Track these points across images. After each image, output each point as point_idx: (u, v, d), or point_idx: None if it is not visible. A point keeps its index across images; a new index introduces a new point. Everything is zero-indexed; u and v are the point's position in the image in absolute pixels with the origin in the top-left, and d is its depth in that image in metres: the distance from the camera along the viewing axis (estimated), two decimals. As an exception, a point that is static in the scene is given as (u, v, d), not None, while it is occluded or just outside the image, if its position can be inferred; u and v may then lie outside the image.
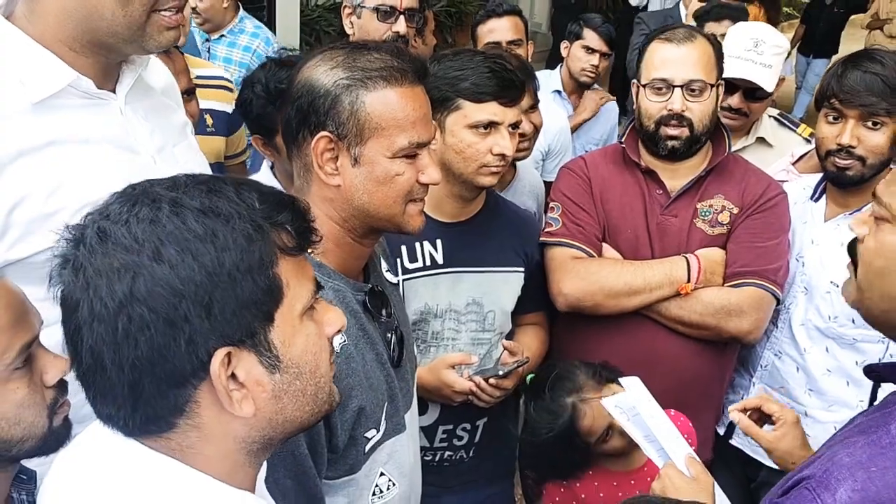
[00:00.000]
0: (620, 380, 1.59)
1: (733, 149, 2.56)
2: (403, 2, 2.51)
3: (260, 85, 2.17)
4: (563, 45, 3.76)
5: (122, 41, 1.39)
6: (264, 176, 2.31)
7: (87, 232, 0.88)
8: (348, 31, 2.62)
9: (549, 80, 3.77)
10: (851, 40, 5.88)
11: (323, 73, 1.34)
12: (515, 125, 1.92)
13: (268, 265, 0.90)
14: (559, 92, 3.74)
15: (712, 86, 2.05)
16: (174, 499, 0.91)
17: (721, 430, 2.32)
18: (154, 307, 0.84)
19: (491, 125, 1.87)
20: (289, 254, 0.93)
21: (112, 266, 0.85)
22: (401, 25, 2.51)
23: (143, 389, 0.87)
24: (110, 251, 0.86)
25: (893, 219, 1.14)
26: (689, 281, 2.00)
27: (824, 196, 2.15)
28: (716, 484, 1.55)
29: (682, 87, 2.02)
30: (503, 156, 1.88)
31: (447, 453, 2.10)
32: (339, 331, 1.03)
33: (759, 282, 2.01)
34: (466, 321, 2.05)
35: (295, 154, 1.40)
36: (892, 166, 1.97)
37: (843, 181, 2.03)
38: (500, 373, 1.93)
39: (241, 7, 3.93)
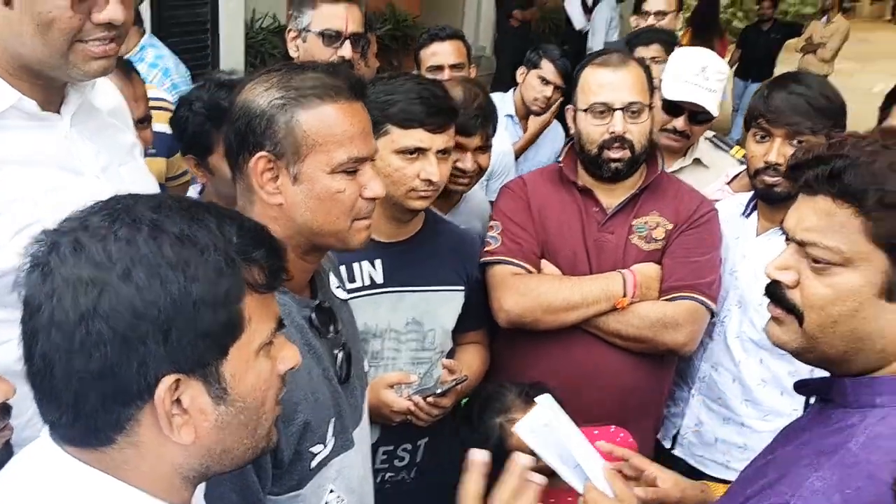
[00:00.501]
0: (537, 399, 1.58)
1: (671, 169, 2.66)
2: (349, 27, 2.52)
3: (200, 102, 2.14)
4: (520, 71, 3.83)
5: (47, 68, 1.38)
6: None
7: (62, 240, 0.88)
8: (293, 54, 2.63)
9: (501, 104, 3.82)
10: (786, 64, 6.12)
11: (258, 94, 1.35)
12: (445, 151, 1.94)
13: (233, 300, 0.91)
14: (511, 116, 3.80)
15: (648, 107, 2.12)
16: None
17: (667, 444, 2.37)
18: (114, 325, 0.85)
19: (418, 151, 1.89)
20: (257, 290, 0.94)
21: (81, 278, 0.85)
22: (346, 50, 2.52)
23: (88, 402, 0.87)
24: (82, 263, 0.86)
25: (847, 261, 1.13)
26: (625, 295, 2.04)
27: (755, 212, 2.22)
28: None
29: (622, 109, 2.07)
30: (431, 181, 1.90)
31: (388, 475, 2.09)
32: (293, 368, 1.03)
33: (693, 295, 2.06)
34: (406, 341, 2.05)
35: (238, 176, 1.41)
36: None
37: (771, 197, 2.10)
38: (438, 391, 1.93)
39: (147, 33, 3.72)
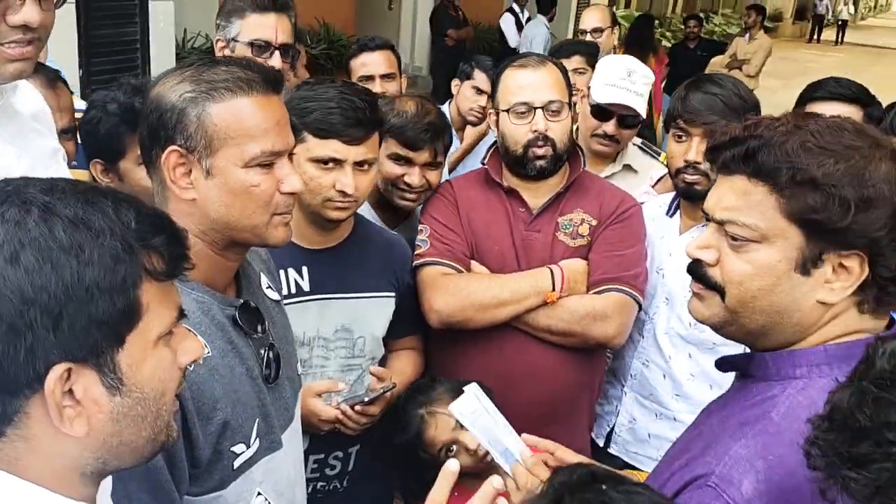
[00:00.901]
0: (465, 388, 1.60)
1: (603, 175, 2.70)
2: (279, 37, 2.50)
3: (116, 104, 2.07)
4: (454, 83, 3.86)
5: None
6: None
7: None
8: None
9: None
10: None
11: (169, 88, 1.33)
12: (364, 162, 1.90)
13: (130, 287, 0.87)
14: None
15: (568, 105, 2.16)
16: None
17: (601, 442, 2.40)
18: (0, 310, 0.81)
19: (333, 161, 1.87)
20: (156, 278, 0.91)
21: None
22: (276, 60, 2.49)
23: None
24: None
25: (763, 237, 1.15)
26: (554, 290, 2.06)
27: (678, 211, 2.28)
28: None
29: (542, 108, 2.11)
30: (344, 193, 1.87)
31: (320, 483, 2.05)
32: (195, 361, 1.00)
33: (620, 287, 2.09)
34: (336, 348, 2.02)
35: (152, 172, 1.38)
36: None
37: (692, 195, 2.15)
38: (366, 399, 1.90)
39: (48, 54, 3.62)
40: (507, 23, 9.92)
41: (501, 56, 9.90)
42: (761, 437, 1.11)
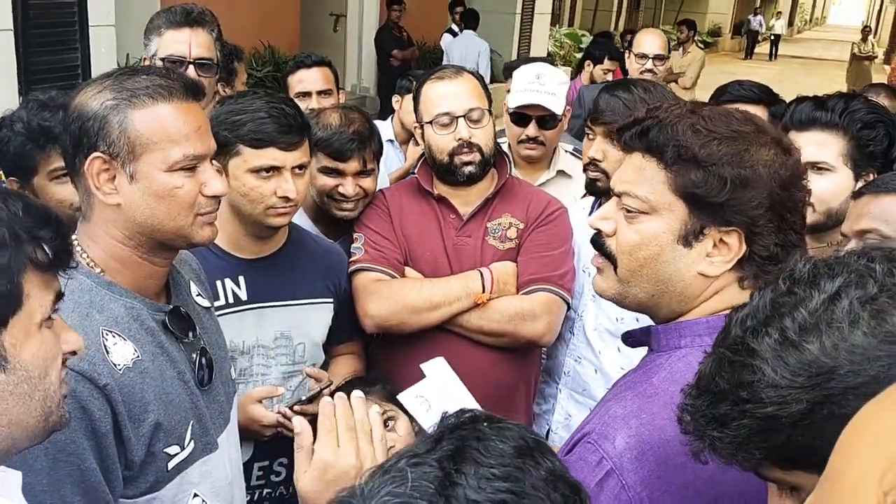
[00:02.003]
0: (422, 365, 1.67)
1: (538, 182, 2.80)
2: (193, 52, 2.55)
3: (21, 123, 2.06)
4: (395, 98, 3.96)
5: None
6: None
7: None
8: None
9: (381, 130, 3.93)
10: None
11: (91, 97, 1.37)
12: (301, 167, 1.97)
13: (14, 273, 0.93)
14: (392, 141, 3.91)
15: (488, 111, 2.25)
16: None
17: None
18: None
19: (273, 169, 1.92)
20: (40, 268, 0.96)
21: None
22: (190, 74, 2.53)
23: None
24: None
25: (652, 209, 1.24)
26: (483, 291, 2.14)
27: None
28: None
29: (463, 116, 2.19)
30: (287, 198, 1.93)
31: (265, 490, 2.09)
32: (74, 352, 1.06)
33: (548, 287, 2.18)
34: (276, 355, 2.07)
35: (77, 181, 1.42)
36: None
37: (594, 192, 2.26)
38: (304, 398, 1.94)
39: None
40: (447, 43, 10.10)
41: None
42: (638, 398, 1.20)
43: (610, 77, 5.82)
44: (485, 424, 0.80)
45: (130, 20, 7.11)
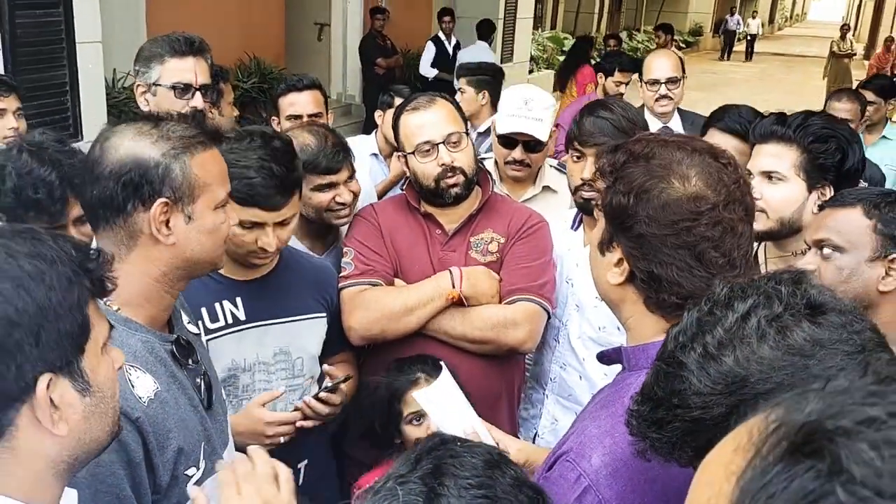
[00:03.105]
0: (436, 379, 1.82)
1: (524, 198, 2.92)
2: (198, 79, 2.65)
3: (11, 180, 1.98)
4: (377, 113, 4.06)
5: None
6: None
7: None
8: (143, 107, 2.70)
9: (364, 145, 4.05)
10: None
11: (147, 146, 1.46)
12: (284, 221, 2.04)
13: (82, 304, 1.05)
14: (376, 155, 4.02)
15: (465, 133, 2.36)
16: None
17: (529, 445, 2.58)
18: None
19: (254, 225, 2.01)
20: (92, 296, 1.08)
21: None
22: (198, 100, 2.64)
23: None
24: None
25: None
26: (454, 287, 2.23)
27: (582, 225, 2.50)
28: None
29: (443, 142, 2.29)
30: (266, 251, 2.03)
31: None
32: (121, 367, 1.17)
33: (529, 297, 2.29)
34: (276, 370, 2.17)
35: (115, 226, 1.48)
36: None
37: (589, 210, 2.37)
38: (330, 385, 2.10)
39: None
40: (427, 52, 10.18)
41: (425, 89, 10.25)
42: (611, 418, 1.29)
43: (623, 89, 5.91)
44: (456, 444, 0.94)
45: (116, 36, 7.19)
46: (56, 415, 1.03)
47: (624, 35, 21.67)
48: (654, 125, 3.74)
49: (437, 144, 2.29)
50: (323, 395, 2.09)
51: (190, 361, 1.60)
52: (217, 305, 2.07)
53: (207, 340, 2.01)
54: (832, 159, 2.13)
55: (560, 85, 8.82)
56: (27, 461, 1.04)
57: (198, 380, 1.61)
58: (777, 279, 1.02)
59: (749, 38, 27.53)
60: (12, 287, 0.98)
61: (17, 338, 0.97)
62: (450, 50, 10.28)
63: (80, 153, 2.08)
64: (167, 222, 1.48)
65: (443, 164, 2.29)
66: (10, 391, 0.99)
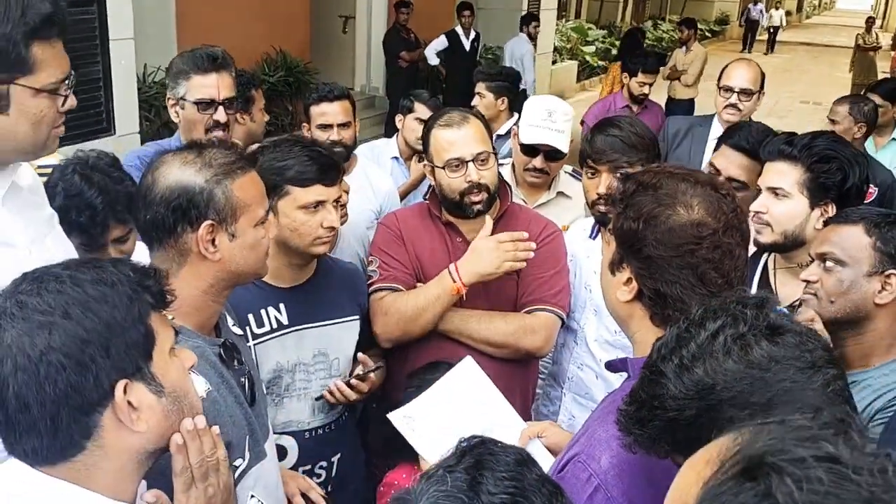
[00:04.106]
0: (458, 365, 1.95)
1: (538, 203, 3.06)
2: (221, 94, 2.82)
3: (59, 199, 2.11)
4: (398, 118, 4.18)
5: (21, 155, 1.67)
6: None
7: (5, 304, 1.15)
8: (175, 119, 2.90)
9: (387, 148, 4.20)
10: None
11: (192, 174, 1.64)
12: (338, 200, 2.27)
13: (144, 317, 1.21)
14: (397, 158, 4.15)
15: (493, 153, 2.49)
16: None
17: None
18: (68, 353, 1.13)
19: (319, 204, 2.20)
20: (155, 308, 1.24)
21: (31, 326, 1.13)
22: (220, 115, 2.81)
23: (62, 420, 1.14)
24: (29, 315, 1.13)
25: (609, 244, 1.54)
26: (455, 282, 2.35)
27: (599, 234, 2.63)
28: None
29: (473, 160, 2.42)
30: (332, 228, 2.22)
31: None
32: (193, 366, 1.33)
33: (545, 307, 2.44)
34: (315, 371, 2.34)
35: (166, 245, 1.66)
36: None
37: (606, 222, 2.48)
38: (360, 372, 2.29)
39: None
40: (438, 42, 10.31)
41: (444, 83, 10.39)
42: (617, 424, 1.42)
43: (647, 90, 6.17)
44: (494, 445, 1.13)
45: (147, 32, 7.35)
46: (135, 415, 1.19)
47: (649, 24, 21.62)
48: (717, 131, 3.73)
49: (467, 162, 2.42)
50: (353, 381, 2.28)
51: (235, 362, 1.76)
52: (263, 312, 2.25)
53: (255, 344, 2.19)
54: (833, 179, 2.26)
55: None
56: (115, 457, 1.20)
57: (242, 379, 1.77)
58: (744, 303, 1.20)
59: (772, 29, 26.17)
60: (81, 311, 1.16)
61: (90, 353, 1.15)
62: (467, 45, 10.36)
63: (127, 180, 2.25)
64: (213, 241, 1.65)
65: (470, 181, 2.42)
66: (92, 398, 1.16)
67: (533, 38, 10.79)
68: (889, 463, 0.71)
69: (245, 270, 1.72)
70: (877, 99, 4.76)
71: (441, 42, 10.29)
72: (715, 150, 2.90)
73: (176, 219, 1.63)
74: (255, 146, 2.54)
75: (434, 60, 10.34)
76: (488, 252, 2.33)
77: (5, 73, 1.56)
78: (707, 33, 24.69)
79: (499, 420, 1.97)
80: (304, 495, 2.14)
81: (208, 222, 1.63)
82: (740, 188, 2.68)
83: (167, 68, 2.95)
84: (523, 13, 12.18)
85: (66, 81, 1.65)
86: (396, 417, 2.00)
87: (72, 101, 1.67)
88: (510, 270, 2.35)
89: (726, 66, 4.03)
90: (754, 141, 2.73)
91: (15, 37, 1.53)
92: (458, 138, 2.44)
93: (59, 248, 1.85)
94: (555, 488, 1.11)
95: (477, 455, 1.10)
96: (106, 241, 2.18)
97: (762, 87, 3.94)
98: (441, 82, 10.59)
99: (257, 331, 2.23)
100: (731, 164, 2.75)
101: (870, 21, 17.09)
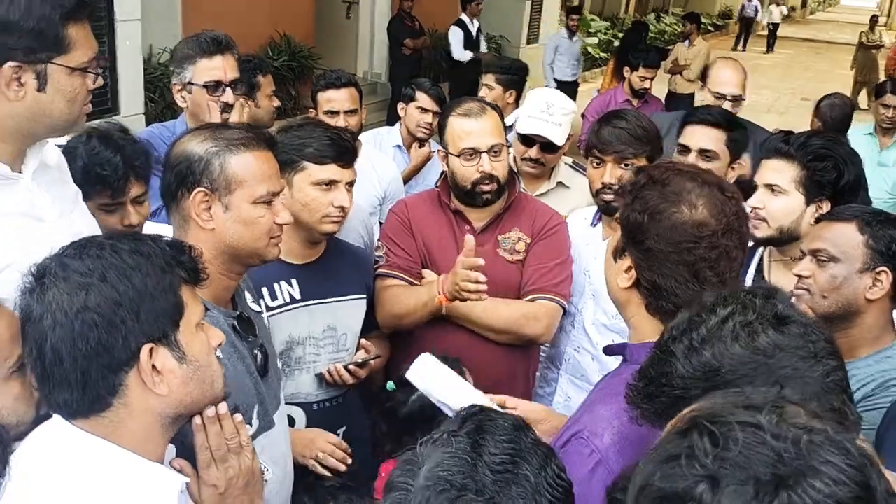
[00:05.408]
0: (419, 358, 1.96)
1: (538, 192, 3.14)
2: (227, 75, 2.89)
3: (81, 160, 2.18)
4: (400, 106, 4.23)
5: (53, 131, 1.75)
6: None
7: (51, 265, 1.24)
8: (181, 104, 2.95)
9: (390, 136, 4.27)
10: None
11: (196, 144, 1.75)
12: (350, 183, 2.35)
13: (175, 288, 1.30)
14: (399, 146, 4.22)
15: (505, 145, 2.57)
16: (102, 470, 1.26)
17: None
18: (101, 313, 1.22)
19: (331, 183, 2.29)
20: (186, 283, 1.33)
21: (71, 286, 1.22)
22: (228, 96, 2.88)
23: (91, 375, 1.23)
24: (70, 275, 1.23)
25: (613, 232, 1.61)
26: (439, 294, 2.40)
27: (600, 222, 2.71)
28: None
29: (487, 151, 2.50)
30: (342, 207, 2.30)
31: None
32: (220, 344, 1.41)
33: (547, 296, 2.53)
34: (324, 345, 2.44)
35: (174, 209, 1.78)
36: None
37: (609, 211, 2.57)
38: (360, 360, 2.38)
39: None
40: (455, 36, 10.25)
41: (451, 71, 10.38)
42: (619, 402, 1.47)
43: (647, 84, 6.28)
44: (491, 412, 1.23)
45: (152, 14, 7.38)
46: (158, 378, 1.28)
47: (651, 17, 21.61)
48: None
49: (482, 153, 2.50)
50: (352, 367, 2.37)
51: (250, 335, 1.83)
52: (276, 285, 2.34)
53: (269, 317, 2.27)
54: (829, 176, 2.34)
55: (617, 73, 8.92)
56: (139, 416, 1.29)
57: (255, 351, 1.85)
58: (754, 293, 1.27)
59: (771, 27, 24.67)
60: (116, 275, 1.25)
61: (121, 315, 1.24)
62: (473, 32, 10.38)
63: (140, 141, 2.37)
64: (210, 210, 1.73)
65: (482, 171, 2.50)
66: (120, 357, 1.25)
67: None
68: (811, 436, 0.81)
69: (239, 245, 1.75)
70: (890, 99, 4.81)
71: (459, 35, 10.25)
72: (678, 134, 2.96)
73: (178, 184, 1.73)
74: (274, 127, 2.61)
75: (466, 56, 10.14)
76: (457, 276, 2.31)
77: (44, 52, 1.63)
78: (710, 27, 24.63)
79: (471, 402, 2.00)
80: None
81: (200, 189, 1.71)
82: (712, 158, 2.77)
83: (171, 55, 3.01)
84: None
85: (96, 60, 1.73)
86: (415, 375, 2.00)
87: (100, 80, 1.75)
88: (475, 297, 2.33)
89: (712, 66, 3.92)
90: (715, 112, 2.84)
91: (52, 18, 1.61)
92: (474, 129, 2.52)
93: (84, 223, 1.93)
94: (548, 450, 1.20)
95: (477, 421, 1.18)
96: (126, 198, 2.27)
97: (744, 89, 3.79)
98: (447, 71, 10.60)
99: (271, 304, 2.32)
100: (700, 137, 2.82)
101: (874, 19, 17.12)
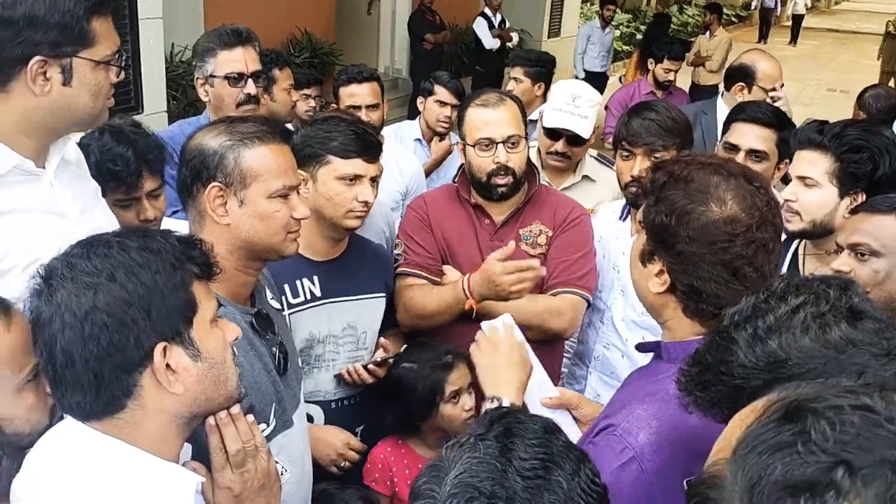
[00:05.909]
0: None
1: (563, 186, 3.08)
2: (249, 67, 2.87)
3: (94, 157, 2.18)
4: (419, 100, 4.22)
5: (77, 126, 1.74)
6: None
7: (57, 266, 1.20)
8: (203, 98, 2.94)
9: (410, 130, 4.24)
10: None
11: (210, 138, 1.71)
12: (374, 178, 2.30)
13: (187, 284, 1.25)
14: (419, 140, 4.19)
15: (524, 137, 2.51)
16: (117, 470, 1.22)
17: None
18: (111, 313, 1.17)
19: (356, 178, 2.25)
20: (198, 278, 1.28)
21: (78, 286, 1.18)
22: (250, 87, 2.87)
23: (104, 377, 1.19)
24: (77, 276, 1.19)
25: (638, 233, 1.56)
26: (468, 298, 2.36)
27: (629, 216, 2.65)
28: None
29: (503, 142, 2.45)
30: (366, 202, 2.26)
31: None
32: (236, 339, 1.36)
33: (571, 289, 2.47)
34: (344, 343, 2.40)
35: (190, 205, 1.74)
36: None
37: (638, 205, 2.52)
38: (379, 359, 2.35)
39: None
40: (480, 27, 10.24)
41: (479, 60, 10.32)
42: (658, 403, 1.45)
43: (672, 76, 6.18)
44: (520, 415, 1.17)
45: (175, 12, 7.40)
46: (173, 377, 1.24)
47: (674, 9, 21.39)
48: (724, 113, 3.68)
49: (497, 143, 2.45)
50: (371, 366, 2.34)
51: (270, 333, 1.80)
52: (298, 283, 2.30)
53: (290, 314, 2.24)
54: (864, 168, 2.25)
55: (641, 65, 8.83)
56: (154, 416, 1.25)
57: (274, 349, 1.81)
58: (828, 283, 1.19)
59: (794, 18, 23.83)
60: (125, 274, 1.20)
61: (132, 314, 1.19)
62: (496, 24, 10.34)
63: (152, 135, 2.36)
64: (225, 205, 1.69)
65: (497, 162, 2.44)
66: (133, 358, 1.21)
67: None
68: None
69: (255, 241, 1.71)
70: None
71: (483, 25, 10.22)
72: (724, 130, 2.89)
73: (193, 178, 1.70)
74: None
75: (495, 44, 10.11)
76: (496, 277, 2.29)
77: (69, 46, 1.62)
78: (733, 18, 24.32)
79: (535, 378, 1.97)
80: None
81: (215, 184, 1.68)
82: (762, 159, 2.69)
83: (193, 48, 3.01)
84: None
85: (118, 54, 1.71)
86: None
87: (122, 74, 1.73)
88: (517, 295, 2.32)
89: (756, 62, 3.92)
90: (767, 110, 2.75)
91: (77, 12, 1.60)
92: (491, 119, 2.47)
93: (105, 219, 1.92)
94: (581, 454, 1.14)
95: (506, 424, 1.13)
96: (141, 193, 2.25)
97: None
98: (472, 63, 10.56)
99: (292, 301, 2.28)
100: (750, 136, 2.75)
101: (901, 8, 16.77)
